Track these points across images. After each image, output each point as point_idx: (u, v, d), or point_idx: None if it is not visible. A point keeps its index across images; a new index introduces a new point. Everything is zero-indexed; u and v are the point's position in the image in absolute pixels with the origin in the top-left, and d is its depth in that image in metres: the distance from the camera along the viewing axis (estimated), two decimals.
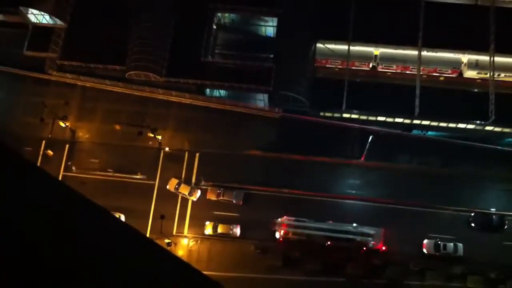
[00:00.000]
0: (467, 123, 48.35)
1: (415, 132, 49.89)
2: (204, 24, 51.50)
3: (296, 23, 50.25)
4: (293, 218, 45.70)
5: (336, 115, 49.59)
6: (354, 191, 48.18)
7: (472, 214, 46.26)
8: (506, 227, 45.91)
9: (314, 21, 49.96)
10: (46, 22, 53.65)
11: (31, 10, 52.86)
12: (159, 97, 51.49)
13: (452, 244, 45.16)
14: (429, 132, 49.81)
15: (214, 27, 52.79)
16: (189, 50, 50.67)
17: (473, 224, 46.01)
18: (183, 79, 50.48)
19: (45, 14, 52.91)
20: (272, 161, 48.43)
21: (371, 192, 47.68)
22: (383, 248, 45.11)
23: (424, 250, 45.41)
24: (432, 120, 48.58)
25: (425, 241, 45.48)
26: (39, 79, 52.66)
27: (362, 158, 48.25)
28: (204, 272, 7.53)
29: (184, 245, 46.76)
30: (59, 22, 53.03)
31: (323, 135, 49.04)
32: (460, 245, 45.11)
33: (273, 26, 53.01)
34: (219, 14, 53.63)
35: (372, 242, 44.57)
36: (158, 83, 50.72)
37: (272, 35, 53.47)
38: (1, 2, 53.25)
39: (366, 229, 44.85)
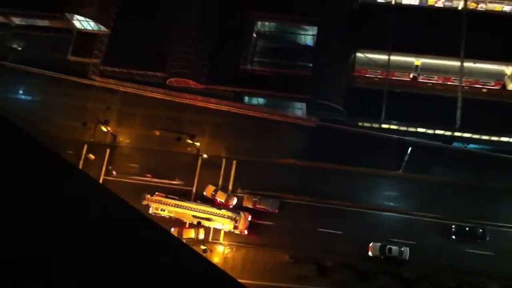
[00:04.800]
0: (510, 137, 47.29)
1: (456, 144, 49.00)
2: (244, 32, 51.95)
3: (335, 32, 50.06)
4: (163, 195, 47.56)
5: (375, 125, 49.16)
6: (390, 203, 47.67)
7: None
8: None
9: (354, 30, 49.67)
10: (90, 28, 54.95)
11: (75, 16, 54.17)
12: (198, 103, 52.04)
13: (397, 247, 44.89)
14: (471, 145, 48.84)
15: (254, 35, 53.14)
16: (228, 58, 51.15)
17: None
18: (222, 86, 51.01)
19: (89, 20, 54.18)
20: (308, 170, 48.30)
21: (407, 204, 47.15)
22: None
23: (370, 253, 45.38)
24: (474, 133, 47.64)
25: (371, 244, 45.37)
26: (83, 84, 53.88)
27: (400, 170, 47.66)
28: (238, 280, 7.66)
29: (220, 252, 47.09)
30: (102, 28, 54.25)
31: (360, 145, 48.70)
32: (406, 249, 44.82)
33: (312, 35, 53.00)
34: (259, 23, 53.96)
35: None
36: (197, 90, 51.33)
37: (311, 44, 53.43)
38: (46, 8, 54.62)
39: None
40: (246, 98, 53.30)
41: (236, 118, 51.28)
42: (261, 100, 53.44)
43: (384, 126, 48.72)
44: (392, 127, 48.65)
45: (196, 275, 7.21)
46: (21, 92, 55.38)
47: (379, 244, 45.31)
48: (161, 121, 51.65)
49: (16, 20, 56.51)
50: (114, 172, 49.97)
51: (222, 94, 51.53)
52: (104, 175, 50.04)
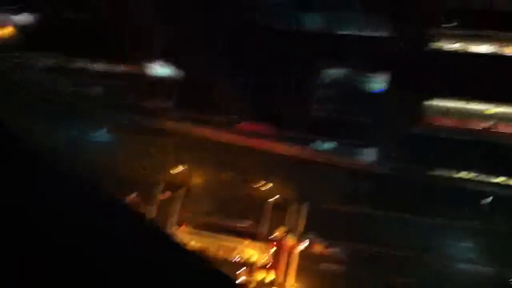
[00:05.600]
0: None
1: None
2: (312, 79, 52.83)
3: (406, 79, 50.18)
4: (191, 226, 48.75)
5: (450, 175, 48.28)
6: (466, 256, 46.14)
7: None
8: None
9: (426, 77, 49.64)
10: (162, 73, 57.11)
11: (145, 62, 56.52)
12: (268, 147, 52.67)
13: None
14: None
15: (322, 81, 53.88)
16: (297, 103, 51.95)
17: None
18: (291, 131, 51.63)
19: (161, 65, 56.40)
20: (379, 218, 47.63)
21: (485, 257, 45.49)
22: None
23: None
24: None
25: None
26: (155, 128, 55.59)
27: (477, 221, 46.29)
28: None
29: None
30: (173, 72, 56.30)
31: (435, 194, 47.76)
32: None
33: (381, 82, 53.21)
34: (328, 70, 54.75)
35: None
36: (267, 134, 52.08)
37: (380, 91, 53.55)
38: (122, 55, 57.22)
39: None
40: (315, 144, 53.57)
41: (305, 163, 51.50)
42: (330, 146, 53.56)
43: (459, 175, 47.81)
44: (468, 177, 47.67)
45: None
46: (99, 134, 57.62)
47: None
48: (231, 163, 52.44)
49: (96, 66, 59.45)
50: (185, 214, 50.79)
51: (292, 139, 52.07)
52: (177, 217, 50.90)
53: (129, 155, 54.37)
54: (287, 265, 47.13)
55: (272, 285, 45.67)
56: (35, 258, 4.67)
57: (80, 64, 59.01)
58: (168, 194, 51.59)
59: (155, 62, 56.56)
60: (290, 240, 47.65)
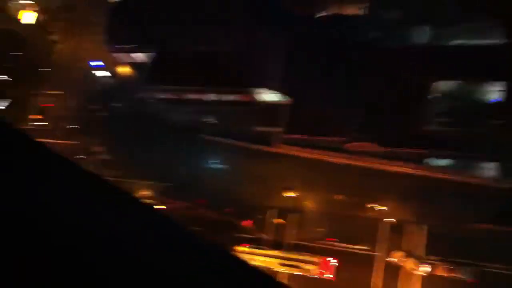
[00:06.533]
0: None
1: None
2: (424, 94, 51.30)
3: None
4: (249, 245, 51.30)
5: None
6: None
7: None
8: None
9: None
10: (271, 99, 58.63)
11: (259, 90, 58.33)
12: (380, 167, 51.88)
13: None
14: None
15: (434, 95, 52.14)
16: (409, 119, 50.62)
17: None
18: (404, 148, 50.43)
19: (271, 92, 57.95)
20: (505, 236, 44.82)
21: None
22: None
23: None
24: None
25: None
26: (268, 152, 57.10)
27: None
28: None
29: None
30: (283, 98, 57.55)
31: None
32: None
33: (499, 90, 50.36)
34: (439, 83, 52.90)
35: None
36: (378, 153, 51.35)
37: (499, 100, 50.68)
38: (235, 85, 59.62)
39: None
40: (430, 160, 51.85)
41: (421, 181, 49.96)
42: (446, 162, 51.55)
43: None
44: None
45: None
46: (215, 161, 60.40)
47: None
48: (343, 185, 52.32)
49: (209, 96, 62.50)
50: (302, 237, 51.49)
51: (405, 156, 50.84)
52: (295, 240, 51.71)
53: (243, 180, 56.30)
54: None
55: None
56: (35, 258, 4.53)
57: (195, 95, 62.34)
58: (281, 219, 52.56)
59: (265, 89, 58.26)
60: (409, 264, 46.21)
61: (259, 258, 49.91)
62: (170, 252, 5.15)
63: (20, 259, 4.33)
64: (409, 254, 47.04)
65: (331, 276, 48.25)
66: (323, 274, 48.21)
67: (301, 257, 49.10)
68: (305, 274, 48.89)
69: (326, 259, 48.61)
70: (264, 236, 52.18)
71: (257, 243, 51.30)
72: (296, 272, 49.05)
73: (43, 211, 4.81)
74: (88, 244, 4.76)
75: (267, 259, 49.87)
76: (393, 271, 46.83)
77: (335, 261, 48.71)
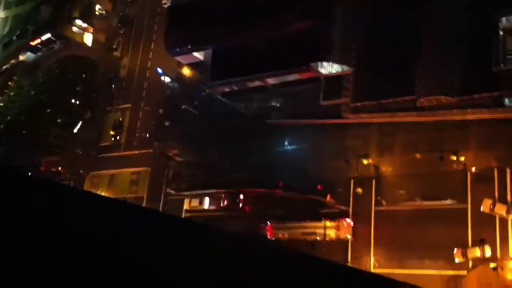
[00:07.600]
0: None
1: None
2: (490, 33, 48.63)
3: None
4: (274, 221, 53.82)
5: None
6: None
7: None
8: None
9: None
10: (335, 71, 58.08)
11: (319, 64, 57.94)
12: (455, 118, 50.02)
13: None
14: None
15: (501, 33, 49.30)
16: (478, 63, 48.27)
17: None
18: (477, 94, 48.16)
19: (333, 64, 57.40)
20: None
21: None
22: None
23: None
24: None
25: None
26: (338, 124, 56.78)
27: None
28: None
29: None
30: (346, 68, 56.82)
31: None
32: None
33: None
34: (504, 18, 49.93)
35: None
36: (451, 104, 49.44)
37: None
38: (294, 64, 59.62)
39: None
40: (507, 101, 49.21)
41: (500, 124, 47.63)
42: None
43: None
44: None
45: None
46: (286, 143, 60.95)
47: None
48: (420, 143, 51.05)
49: (271, 81, 63.01)
50: (383, 202, 50.84)
51: (479, 102, 48.56)
52: (375, 206, 51.25)
53: (319, 157, 56.41)
54: (501, 237, 43.94)
55: (490, 261, 43.00)
56: (35, 258, 4.60)
57: (256, 82, 63.06)
58: (361, 188, 52.17)
59: (327, 61, 57.83)
60: (500, 210, 44.33)
61: (283, 231, 52.87)
62: (170, 252, 5.24)
63: (20, 259, 4.42)
64: (498, 200, 45.09)
65: (350, 237, 49.85)
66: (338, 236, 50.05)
67: (318, 224, 51.24)
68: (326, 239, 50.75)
69: (345, 222, 50.47)
70: (344, 208, 52.04)
71: (340, 215, 51.40)
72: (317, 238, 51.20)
73: (43, 211, 5.00)
74: (88, 244, 4.89)
75: (289, 231, 52.65)
76: (485, 221, 45.08)
77: (350, 221, 50.43)
